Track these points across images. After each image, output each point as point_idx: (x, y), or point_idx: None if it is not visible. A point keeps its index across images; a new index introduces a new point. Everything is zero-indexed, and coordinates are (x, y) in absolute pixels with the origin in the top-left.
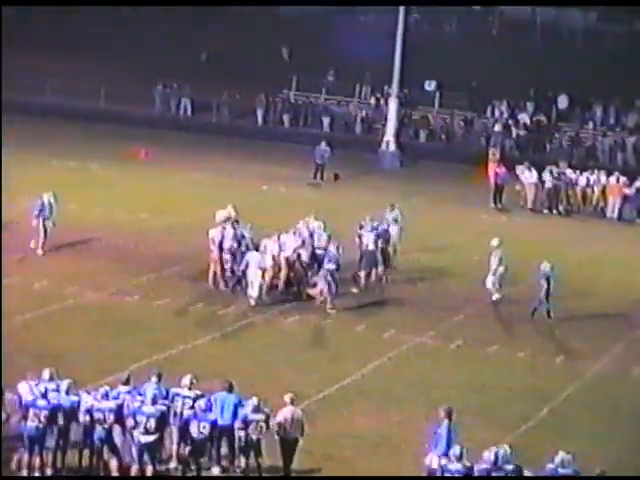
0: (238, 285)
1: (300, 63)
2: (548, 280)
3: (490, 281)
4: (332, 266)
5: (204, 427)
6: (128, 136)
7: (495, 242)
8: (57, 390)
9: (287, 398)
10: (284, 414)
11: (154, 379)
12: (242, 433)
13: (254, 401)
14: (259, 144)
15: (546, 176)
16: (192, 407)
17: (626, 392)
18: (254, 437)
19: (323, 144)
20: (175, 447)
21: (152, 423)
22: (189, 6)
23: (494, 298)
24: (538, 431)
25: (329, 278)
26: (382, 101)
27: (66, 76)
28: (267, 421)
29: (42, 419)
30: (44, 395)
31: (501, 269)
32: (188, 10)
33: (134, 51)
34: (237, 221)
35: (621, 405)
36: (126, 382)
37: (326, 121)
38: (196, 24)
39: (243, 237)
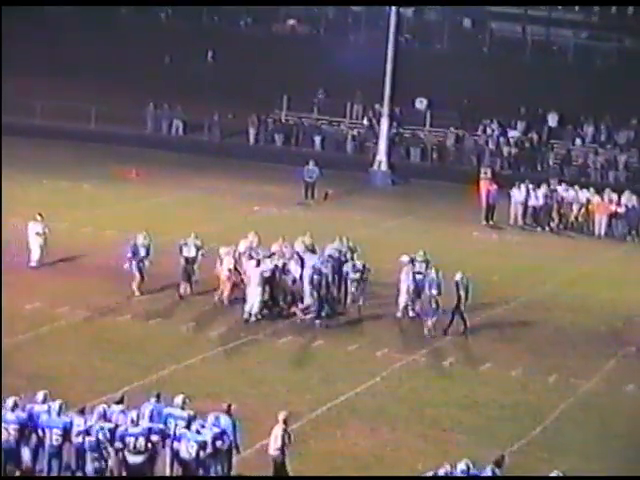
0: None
1: (290, 83)
2: (458, 290)
3: (403, 299)
4: (434, 291)
5: (192, 447)
6: (119, 156)
7: (405, 259)
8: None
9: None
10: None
11: (153, 400)
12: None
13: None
14: (251, 164)
15: (537, 193)
16: (187, 427)
17: (618, 409)
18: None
19: (311, 164)
20: (168, 468)
21: (141, 442)
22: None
23: (399, 315)
24: (531, 449)
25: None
26: (374, 120)
27: (57, 97)
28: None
29: (12, 432)
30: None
31: (412, 286)
32: (177, 29)
33: (125, 71)
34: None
35: (613, 422)
36: (119, 401)
37: (317, 140)
38: (185, 43)
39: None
